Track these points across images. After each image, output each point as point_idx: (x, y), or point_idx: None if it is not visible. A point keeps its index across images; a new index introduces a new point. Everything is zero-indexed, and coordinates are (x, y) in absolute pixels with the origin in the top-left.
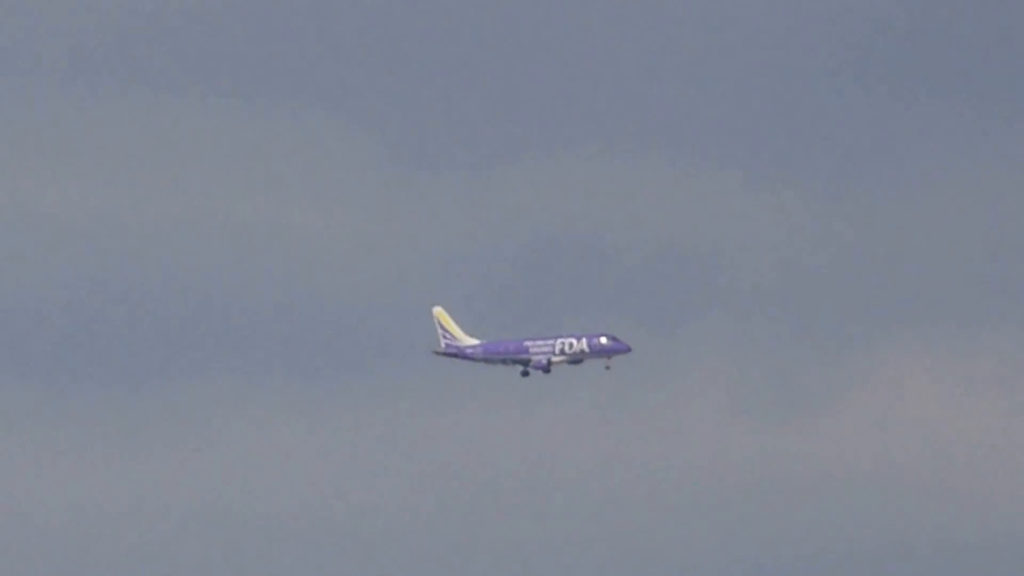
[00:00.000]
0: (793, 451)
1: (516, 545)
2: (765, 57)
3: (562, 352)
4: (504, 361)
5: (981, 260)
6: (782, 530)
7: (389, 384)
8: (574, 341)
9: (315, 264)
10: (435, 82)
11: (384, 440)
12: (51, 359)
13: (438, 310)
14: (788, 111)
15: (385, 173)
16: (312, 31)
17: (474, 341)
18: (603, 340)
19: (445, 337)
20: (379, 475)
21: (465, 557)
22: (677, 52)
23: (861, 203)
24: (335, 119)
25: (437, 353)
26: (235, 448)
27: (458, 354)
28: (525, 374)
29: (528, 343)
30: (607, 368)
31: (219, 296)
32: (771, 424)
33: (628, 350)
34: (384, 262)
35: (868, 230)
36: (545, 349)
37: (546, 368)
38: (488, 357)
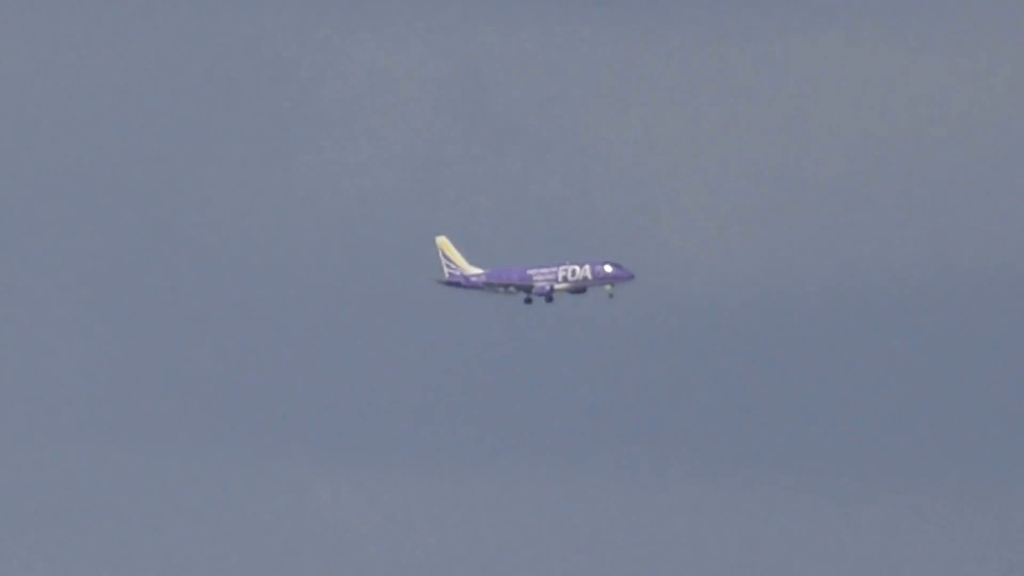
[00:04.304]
0: None
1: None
2: None
3: (565, 279)
4: (507, 289)
5: None
6: None
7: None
8: (577, 268)
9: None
10: None
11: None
12: None
13: (442, 240)
14: None
15: None
16: None
17: (478, 270)
18: (607, 268)
19: (449, 267)
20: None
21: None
22: None
23: None
24: None
25: (440, 283)
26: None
27: (462, 283)
28: (528, 301)
29: (531, 271)
30: (610, 296)
31: None
32: None
33: (632, 277)
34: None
35: None
36: (548, 276)
37: (549, 296)
38: (491, 285)
